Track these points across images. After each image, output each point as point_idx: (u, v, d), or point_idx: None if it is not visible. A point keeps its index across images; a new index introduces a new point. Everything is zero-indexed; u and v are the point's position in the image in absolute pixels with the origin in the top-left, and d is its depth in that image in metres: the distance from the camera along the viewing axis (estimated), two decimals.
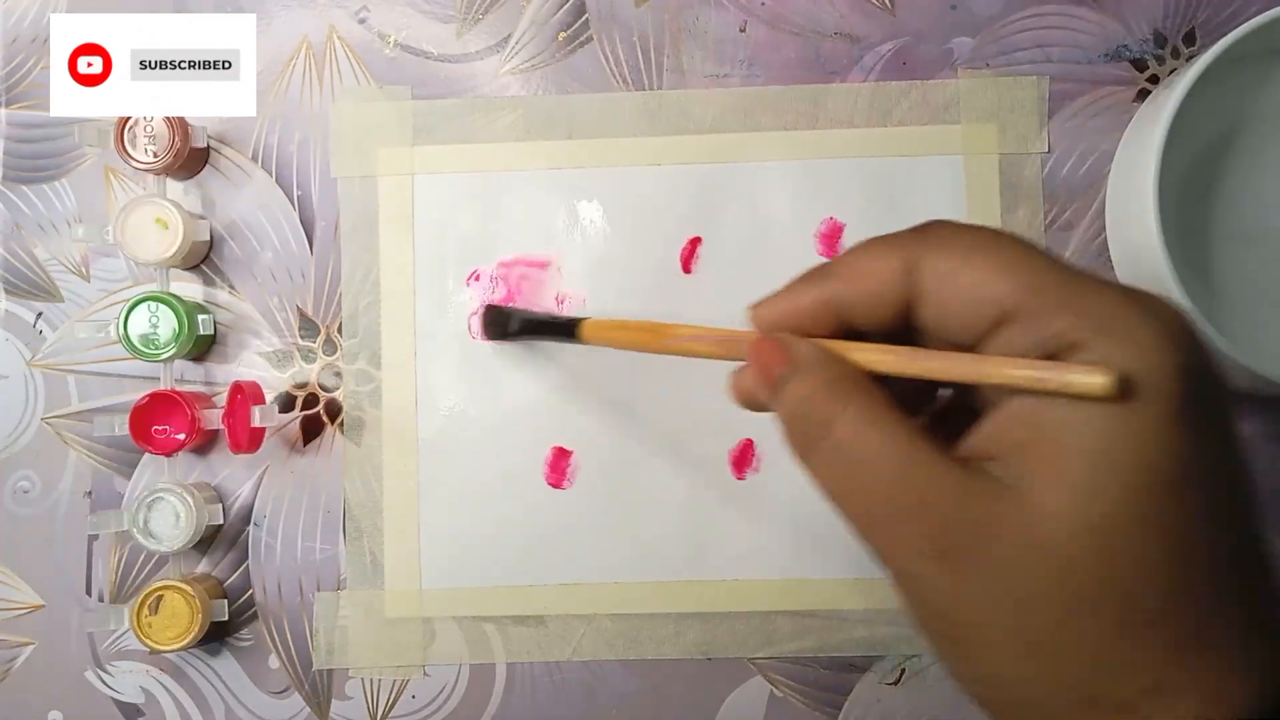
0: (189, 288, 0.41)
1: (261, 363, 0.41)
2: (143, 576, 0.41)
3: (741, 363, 0.26)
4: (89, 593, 0.41)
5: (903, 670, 0.39)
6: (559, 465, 0.40)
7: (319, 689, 0.40)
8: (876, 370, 0.23)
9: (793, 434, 0.24)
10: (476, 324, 0.40)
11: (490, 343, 0.40)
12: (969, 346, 0.22)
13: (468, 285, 0.41)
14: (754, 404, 0.26)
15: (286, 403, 0.41)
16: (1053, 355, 0.21)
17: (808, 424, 0.23)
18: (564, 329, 0.35)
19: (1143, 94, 0.40)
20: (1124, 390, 0.19)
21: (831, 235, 0.40)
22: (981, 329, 0.22)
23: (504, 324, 0.39)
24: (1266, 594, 0.21)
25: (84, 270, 0.42)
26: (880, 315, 0.23)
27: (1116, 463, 0.20)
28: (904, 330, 0.24)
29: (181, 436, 0.38)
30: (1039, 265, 0.22)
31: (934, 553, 0.21)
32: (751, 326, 0.26)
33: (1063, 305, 0.21)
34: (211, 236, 0.41)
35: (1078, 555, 0.20)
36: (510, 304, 0.40)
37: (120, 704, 0.40)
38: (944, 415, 0.26)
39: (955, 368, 0.22)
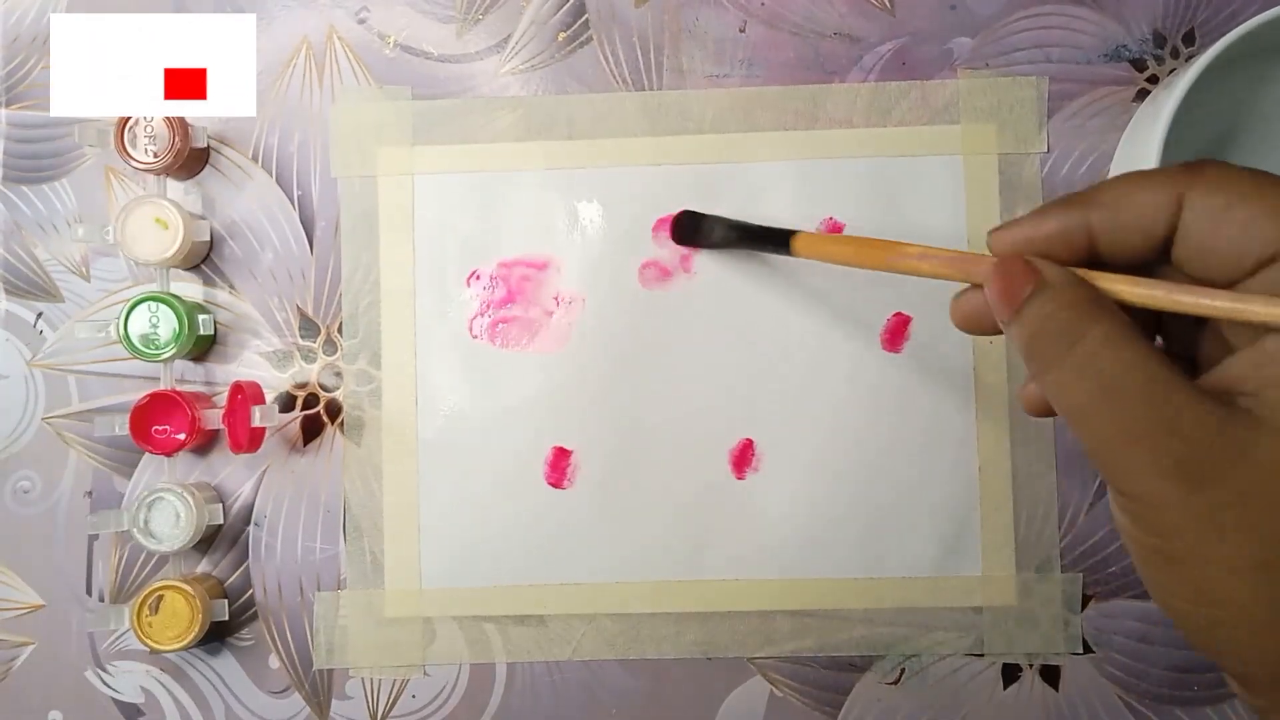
0: (189, 288, 0.41)
1: (262, 363, 0.41)
2: (143, 576, 0.41)
3: (966, 285, 0.26)
4: (89, 593, 0.41)
5: (902, 670, 0.40)
6: (559, 465, 0.40)
7: (319, 689, 0.40)
8: (1127, 300, 0.23)
9: (1035, 348, 0.23)
10: (666, 231, 0.40)
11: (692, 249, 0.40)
12: (1223, 286, 0.22)
13: (467, 285, 0.41)
14: (980, 326, 0.26)
15: (286, 403, 0.41)
16: None
17: (1054, 338, 0.23)
18: (776, 238, 0.35)
19: (1142, 94, 0.40)
20: None
21: (831, 235, 0.40)
22: (1244, 269, 0.22)
23: (703, 230, 0.39)
24: None
25: (84, 270, 0.42)
26: (1136, 246, 0.23)
27: None
28: (1151, 266, 0.24)
29: (182, 436, 0.38)
30: None
31: (1178, 474, 0.21)
32: (990, 250, 0.26)
33: None
34: (211, 236, 0.41)
35: None
36: (702, 214, 0.40)
37: (120, 704, 0.41)
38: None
39: (1218, 304, 0.22)
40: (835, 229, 0.40)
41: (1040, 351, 0.23)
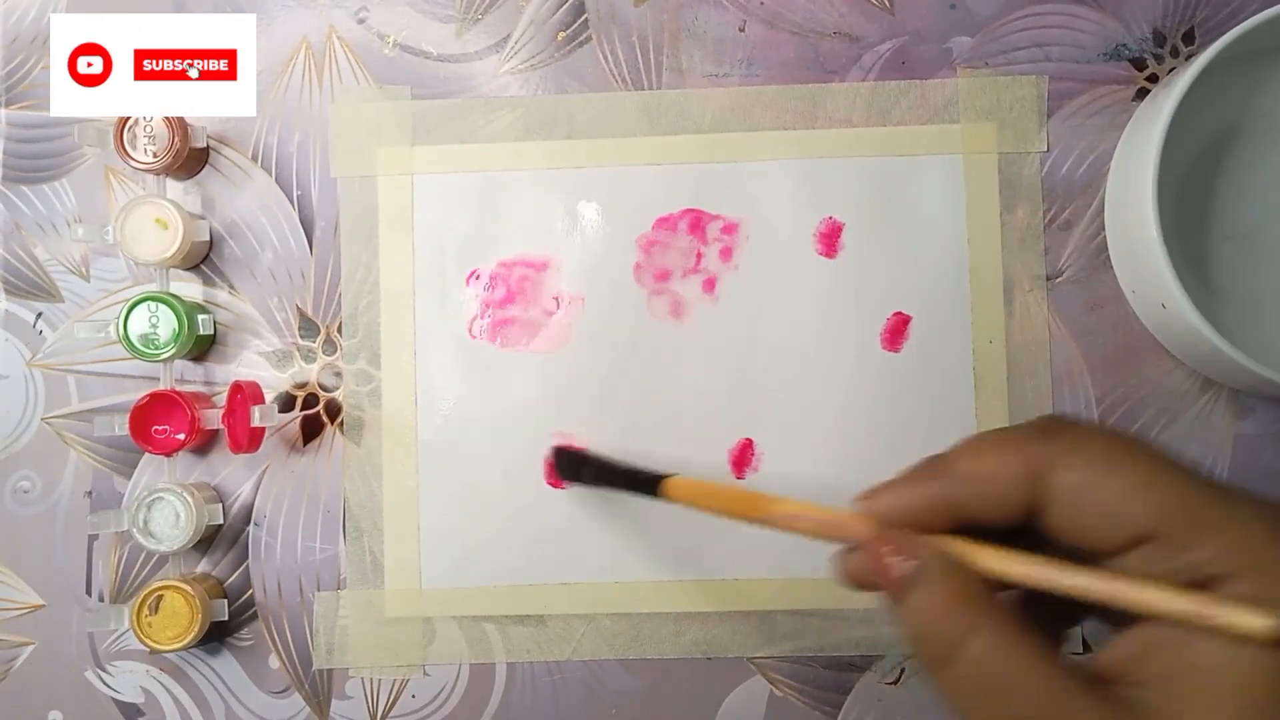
0: (189, 288, 0.41)
1: (261, 363, 0.41)
2: (143, 576, 0.41)
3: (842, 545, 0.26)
4: (89, 593, 0.41)
5: (902, 670, 0.39)
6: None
7: (319, 688, 0.40)
8: (1007, 579, 0.23)
9: (920, 648, 0.23)
10: (545, 467, 0.40)
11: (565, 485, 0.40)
12: (1095, 560, 0.22)
13: (467, 285, 0.41)
14: (866, 588, 0.25)
15: (286, 402, 0.41)
16: (1196, 584, 0.20)
17: (937, 643, 0.22)
18: (645, 485, 0.34)
19: (1142, 93, 0.40)
20: None
21: (831, 234, 0.40)
22: (1115, 547, 0.21)
23: (576, 469, 0.38)
24: None
25: (84, 270, 0.42)
26: (1000, 518, 0.23)
27: (1273, 703, 0.19)
28: (1024, 530, 0.23)
29: (181, 436, 0.38)
30: (1182, 484, 0.21)
31: None
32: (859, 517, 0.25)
33: (1208, 531, 0.20)
34: (211, 236, 0.41)
35: None
36: (580, 450, 0.39)
37: (120, 704, 0.41)
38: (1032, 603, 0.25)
39: (1102, 588, 0.21)
40: (835, 228, 0.40)
41: (926, 651, 0.23)
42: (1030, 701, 0.21)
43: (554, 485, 0.40)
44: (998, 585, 0.23)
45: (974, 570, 0.23)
